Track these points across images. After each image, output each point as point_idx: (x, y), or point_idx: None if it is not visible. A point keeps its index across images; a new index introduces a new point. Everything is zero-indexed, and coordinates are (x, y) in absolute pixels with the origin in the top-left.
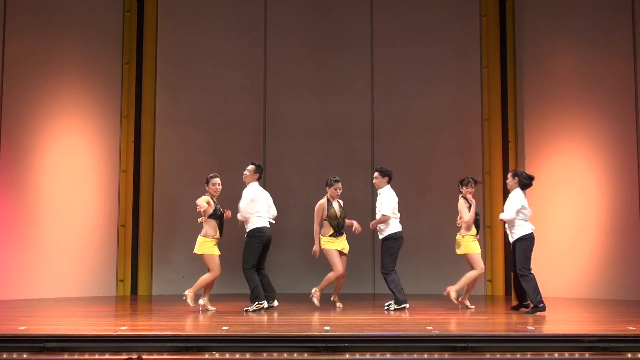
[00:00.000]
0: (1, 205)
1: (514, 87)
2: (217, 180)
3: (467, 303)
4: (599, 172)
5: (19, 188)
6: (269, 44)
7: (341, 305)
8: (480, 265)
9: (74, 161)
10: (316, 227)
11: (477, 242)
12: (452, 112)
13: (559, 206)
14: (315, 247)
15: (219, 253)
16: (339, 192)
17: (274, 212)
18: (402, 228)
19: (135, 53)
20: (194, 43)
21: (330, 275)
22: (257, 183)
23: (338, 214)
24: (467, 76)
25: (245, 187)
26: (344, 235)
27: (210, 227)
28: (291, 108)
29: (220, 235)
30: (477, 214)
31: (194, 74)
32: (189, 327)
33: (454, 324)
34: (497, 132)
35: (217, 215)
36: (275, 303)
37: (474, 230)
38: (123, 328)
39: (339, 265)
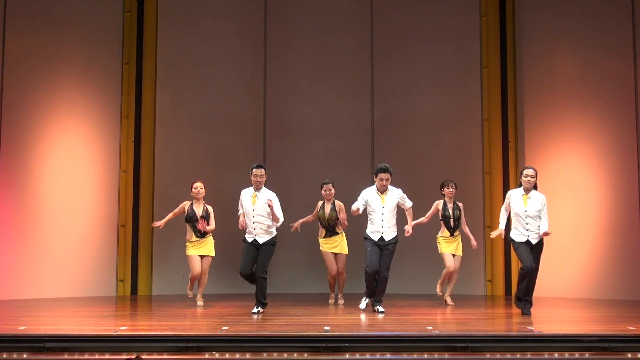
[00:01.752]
0: (1, 205)
1: (514, 87)
2: (195, 184)
3: (448, 300)
4: (599, 172)
5: (19, 188)
6: (269, 44)
7: (341, 302)
8: (447, 263)
9: (74, 161)
10: (308, 217)
11: (446, 243)
12: (452, 112)
13: (558, 206)
14: (296, 223)
15: (199, 254)
16: (329, 193)
17: None
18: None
19: (135, 53)
20: (194, 43)
21: (328, 277)
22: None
23: (326, 215)
24: (467, 76)
25: (261, 190)
26: (340, 235)
27: (187, 231)
28: (291, 108)
29: (198, 236)
30: (447, 216)
31: (194, 74)
32: (189, 327)
33: (454, 324)
34: (497, 132)
35: (189, 219)
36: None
37: (446, 232)
38: (123, 328)
39: (330, 266)
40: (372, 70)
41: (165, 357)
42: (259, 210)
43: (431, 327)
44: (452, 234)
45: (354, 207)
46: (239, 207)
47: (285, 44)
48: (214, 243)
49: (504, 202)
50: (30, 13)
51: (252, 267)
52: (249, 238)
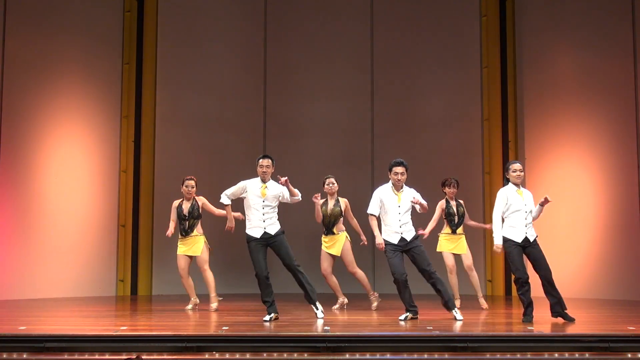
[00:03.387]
0: (1, 205)
1: (514, 87)
2: (188, 182)
3: (482, 302)
4: (599, 172)
5: (19, 188)
6: (269, 44)
7: (339, 304)
8: (446, 262)
9: (74, 161)
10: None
11: (447, 241)
12: (452, 112)
13: (558, 205)
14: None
15: (184, 254)
16: (331, 187)
17: None
18: None
19: (135, 53)
20: (194, 43)
21: None
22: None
23: (329, 211)
24: (467, 76)
25: (270, 181)
26: (339, 235)
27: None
28: (291, 108)
29: (182, 235)
30: (451, 214)
31: (194, 74)
32: (189, 327)
33: (454, 324)
34: (497, 132)
35: (179, 216)
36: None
37: (447, 229)
38: (123, 328)
39: (322, 265)
40: (372, 69)
41: (165, 357)
42: (270, 201)
43: (431, 327)
44: (454, 232)
45: (376, 236)
46: (230, 194)
47: (285, 44)
48: (205, 242)
49: (496, 204)
50: (31, 13)
51: (267, 266)
52: (256, 233)
